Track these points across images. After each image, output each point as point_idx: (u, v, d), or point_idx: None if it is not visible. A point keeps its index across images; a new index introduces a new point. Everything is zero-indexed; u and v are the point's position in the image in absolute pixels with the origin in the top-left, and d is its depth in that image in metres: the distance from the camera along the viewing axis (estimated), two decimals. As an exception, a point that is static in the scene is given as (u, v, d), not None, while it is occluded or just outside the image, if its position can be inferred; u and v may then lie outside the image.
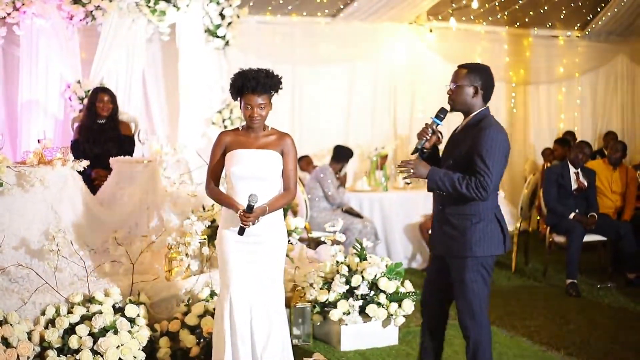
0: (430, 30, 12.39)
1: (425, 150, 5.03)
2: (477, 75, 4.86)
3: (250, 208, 4.97)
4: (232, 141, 5.27)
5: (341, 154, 10.21)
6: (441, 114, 4.96)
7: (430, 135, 4.95)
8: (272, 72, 5.20)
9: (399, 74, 12.49)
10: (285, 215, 6.72)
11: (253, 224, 5.03)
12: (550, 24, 13.17)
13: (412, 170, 4.83)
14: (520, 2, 11.87)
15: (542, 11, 12.36)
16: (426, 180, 4.79)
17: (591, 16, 13.11)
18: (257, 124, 5.19)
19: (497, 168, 4.66)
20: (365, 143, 11.87)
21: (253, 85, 5.08)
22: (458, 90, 4.87)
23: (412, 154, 5.06)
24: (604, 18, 12.90)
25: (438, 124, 4.97)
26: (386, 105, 12.52)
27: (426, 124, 4.98)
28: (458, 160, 4.82)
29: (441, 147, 5.20)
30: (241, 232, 5.06)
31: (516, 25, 13.09)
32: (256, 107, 5.12)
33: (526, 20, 12.86)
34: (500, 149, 4.67)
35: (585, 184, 9.07)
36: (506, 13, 12.39)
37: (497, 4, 11.89)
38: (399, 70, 12.49)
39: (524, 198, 9.77)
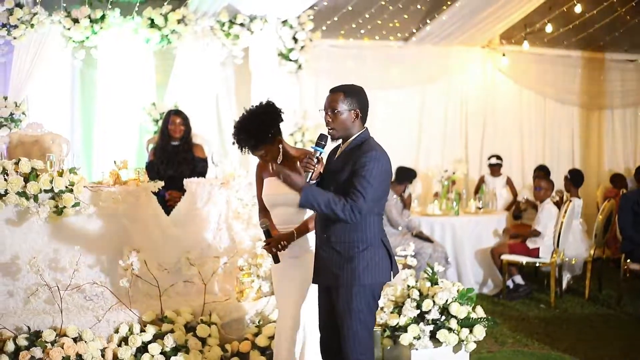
0: (503, 54, 12.32)
1: (313, 182, 4.71)
2: (355, 98, 4.64)
3: (266, 234, 5.06)
4: (263, 169, 5.34)
5: (403, 175, 10.14)
6: (322, 141, 4.67)
7: (315, 164, 4.64)
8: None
9: (470, 97, 12.47)
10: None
11: (281, 249, 5.02)
12: (626, 47, 12.96)
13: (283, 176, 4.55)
14: (595, 26, 11.71)
15: (617, 34, 12.17)
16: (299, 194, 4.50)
17: (669, 39, 12.88)
18: None
19: (374, 191, 4.44)
20: (436, 166, 11.83)
21: None
22: (337, 117, 4.62)
23: None
24: (681, 41, 12.66)
25: (321, 152, 4.69)
26: (457, 129, 12.49)
27: (310, 153, 4.70)
28: (339, 188, 4.53)
29: None
30: (275, 260, 5.11)
31: (591, 49, 12.94)
32: None
33: (601, 44, 12.69)
34: (380, 173, 4.46)
35: (662, 210, 8.87)
36: (580, 37, 12.23)
37: (571, 27, 11.75)
38: (470, 93, 12.47)
39: (598, 225, 9.58)
